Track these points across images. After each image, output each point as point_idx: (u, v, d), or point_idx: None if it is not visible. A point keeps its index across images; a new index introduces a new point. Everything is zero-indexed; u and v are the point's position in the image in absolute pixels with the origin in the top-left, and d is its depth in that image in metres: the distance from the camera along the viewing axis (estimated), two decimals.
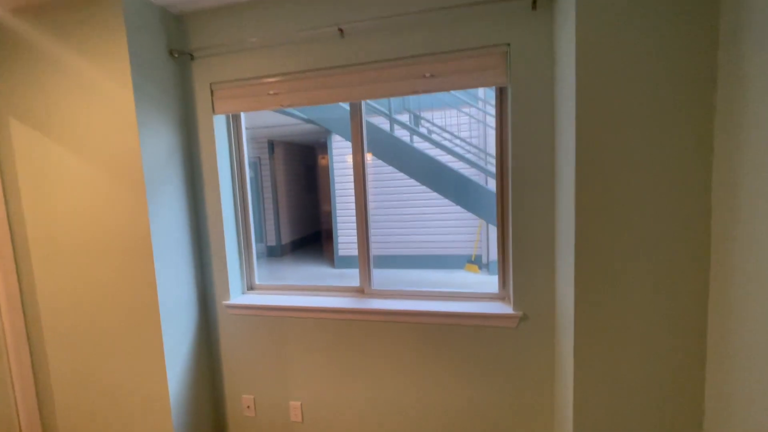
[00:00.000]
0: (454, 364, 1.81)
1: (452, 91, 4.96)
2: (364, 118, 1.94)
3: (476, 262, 6.13)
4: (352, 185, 6.96)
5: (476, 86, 1.66)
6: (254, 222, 2.22)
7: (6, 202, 1.91)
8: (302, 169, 9.18)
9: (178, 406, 1.89)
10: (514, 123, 1.61)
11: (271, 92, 1.88)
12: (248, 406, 2.11)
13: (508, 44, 1.58)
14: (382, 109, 3.98)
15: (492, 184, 5.38)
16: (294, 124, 6.01)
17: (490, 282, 5.53)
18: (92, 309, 1.89)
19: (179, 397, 1.90)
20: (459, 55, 1.64)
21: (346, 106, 3.84)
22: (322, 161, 9.65)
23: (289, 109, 4.43)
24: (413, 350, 1.85)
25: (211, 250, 2.06)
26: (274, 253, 8.00)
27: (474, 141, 5.84)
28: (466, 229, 6.27)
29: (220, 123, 2.02)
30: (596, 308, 1.33)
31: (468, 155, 5.06)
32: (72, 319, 1.93)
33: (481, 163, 5.27)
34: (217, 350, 2.13)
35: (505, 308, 1.74)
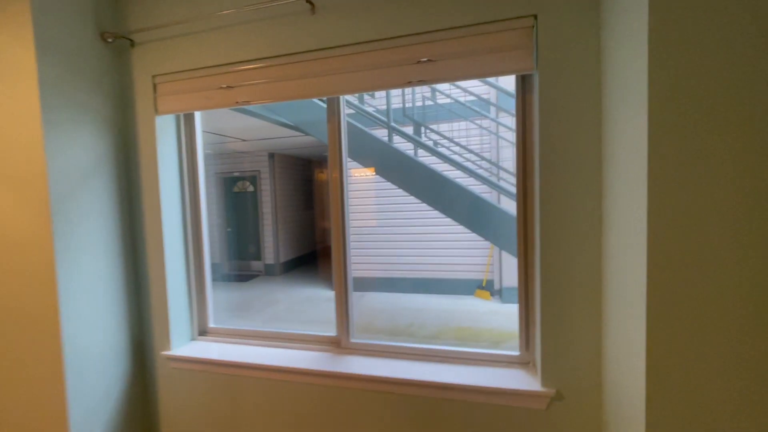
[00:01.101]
0: None
1: (463, 101, 4.54)
2: (344, 120, 1.51)
3: (487, 287, 5.59)
4: (354, 201, 6.54)
5: (489, 74, 1.22)
6: (250, 240, 1.78)
7: None
8: (303, 183, 8.82)
9: None
10: (543, 124, 1.16)
11: (224, 86, 1.46)
12: None
13: (535, 16, 1.14)
14: (381, 117, 3.58)
15: (505, 202, 4.90)
16: (292, 135, 5.65)
17: (501, 311, 4.97)
18: None
19: None
20: (466, 32, 1.20)
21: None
22: (321, 175, 9.30)
23: (269, 113, 4.05)
24: (400, 430, 1.35)
25: (150, 284, 1.62)
26: (271, 272, 7.56)
27: (485, 155, 5.39)
28: (476, 251, 5.75)
29: (165, 125, 1.61)
30: (678, 389, 0.84)
31: (479, 171, 4.61)
32: None
33: (493, 179, 4.79)
34: (155, 413, 1.66)
35: (529, 381, 1.25)
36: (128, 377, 1.59)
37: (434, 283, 5.93)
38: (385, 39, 1.27)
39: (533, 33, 1.16)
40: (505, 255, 5.40)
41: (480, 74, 1.22)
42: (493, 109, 5.09)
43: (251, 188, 7.75)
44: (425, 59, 1.24)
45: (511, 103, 4.13)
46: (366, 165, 3.68)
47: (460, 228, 5.61)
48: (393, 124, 3.48)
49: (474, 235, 5.53)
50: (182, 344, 1.66)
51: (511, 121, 4.88)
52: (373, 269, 6.31)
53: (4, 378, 1.42)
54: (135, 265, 1.63)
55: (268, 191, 7.60)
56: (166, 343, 1.62)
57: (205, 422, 1.60)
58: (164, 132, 1.60)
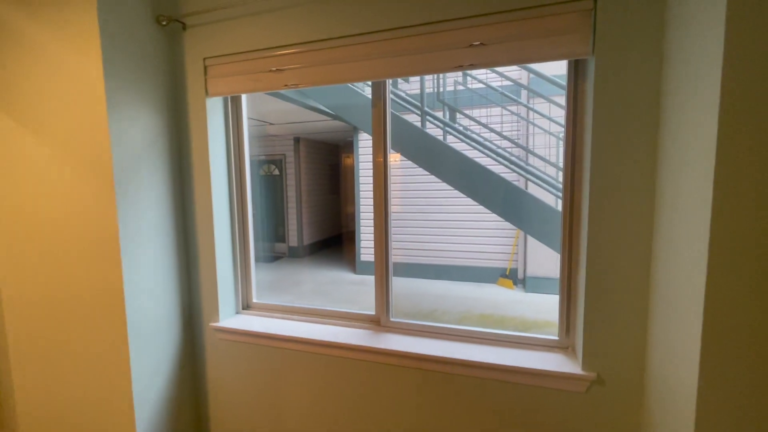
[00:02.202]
0: None
1: (495, 86, 4.44)
2: (389, 106, 1.53)
3: (511, 276, 5.57)
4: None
5: (543, 58, 1.20)
6: (275, 222, 1.85)
7: None
8: (327, 167, 8.89)
9: None
10: (597, 113, 1.15)
11: (274, 68, 1.50)
12: None
13: None
14: (414, 101, 3.56)
15: (533, 189, 4.82)
16: (319, 119, 5.69)
17: (524, 300, 4.96)
18: (55, 318, 1.58)
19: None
20: (521, 15, 1.19)
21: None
22: (347, 160, 9.34)
23: (306, 99, 4.08)
24: (440, 408, 1.41)
25: (200, 260, 1.71)
26: (295, 254, 7.74)
27: (516, 141, 5.29)
28: (500, 240, 5.71)
29: (214, 107, 1.67)
30: (732, 387, 0.85)
31: (510, 157, 4.54)
32: (35, 326, 1.63)
33: (523, 165, 4.72)
34: (202, 381, 1.78)
35: (569, 365, 1.27)
36: (180, 345, 1.69)
37: (456, 270, 5.94)
38: (436, 22, 1.27)
39: (592, 16, 1.13)
40: (530, 244, 5.35)
41: (533, 59, 1.21)
42: (524, 94, 4.96)
43: (277, 172, 7.88)
44: (477, 43, 1.24)
45: (546, 89, 4.02)
46: (395, 150, 3.69)
47: (484, 215, 5.57)
48: (426, 108, 3.45)
49: (498, 223, 5.49)
50: (228, 317, 1.76)
51: (543, 107, 4.75)
52: (396, 255, 6.36)
53: (78, 341, 1.55)
54: (186, 240, 1.71)
55: (293, 175, 7.72)
56: (215, 315, 1.71)
57: (248, 390, 1.70)
58: (214, 113, 1.66)
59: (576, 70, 1.25)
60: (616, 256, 1.17)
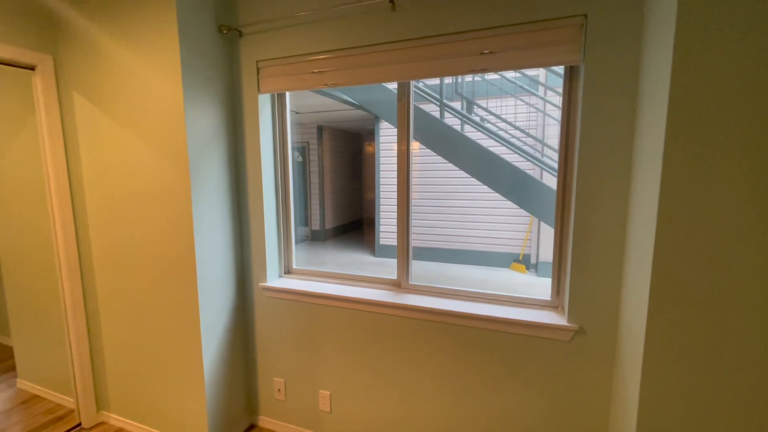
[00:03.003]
0: (494, 375, 1.65)
1: (511, 78, 4.62)
2: (413, 101, 1.80)
3: (524, 261, 5.79)
4: (394, 173, 6.83)
5: (543, 65, 1.45)
6: (299, 205, 2.18)
7: (69, 173, 2.02)
8: (349, 155, 9.20)
9: (213, 378, 1.92)
10: (585, 109, 1.39)
11: (316, 70, 1.79)
12: (279, 390, 2.11)
13: (585, 15, 1.35)
14: (433, 94, 3.79)
15: (548, 179, 5.00)
16: (343, 109, 5.97)
17: (536, 284, 5.19)
18: (138, 281, 1.95)
19: (214, 370, 1.93)
20: (524, 29, 1.44)
21: (395, 89, 3.69)
22: (368, 148, 9.61)
23: (339, 93, 4.36)
24: (450, 354, 1.71)
25: (251, 231, 2.05)
26: (317, 238, 8.15)
27: (531, 132, 5.45)
28: (514, 226, 5.92)
29: (264, 102, 1.98)
30: (672, 332, 1.11)
31: (524, 147, 4.72)
32: (121, 290, 2.01)
33: (538, 156, 4.90)
34: (252, 330, 2.14)
35: (557, 319, 1.55)
36: (235, 300, 2.05)
37: (471, 254, 6.19)
38: (453, 33, 1.53)
39: (583, 30, 1.37)
40: (543, 230, 5.54)
41: (534, 64, 1.46)
42: (541, 89, 5.10)
43: (300, 159, 8.24)
44: (487, 51, 1.49)
45: (560, 83, 4.18)
46: (415, 139, 3.95)
47: (499, 203, 5.78)
48: (444, 100, 3.69)
49: (513, 210, 5.70)
50: (274, 279, 2.10)
51: (558, 100, 4.89)
52: (413, 239, 6.65)
53: (160, 294, 1.92)
54: (240, 215, 2.05)
55: (317, 162, 8.07)
56: (263, 277, 2.06)
57: (288, 338, 2.04)
58: (264, 108, 1.97)
59: (571, 72, 1.49)
60: (597, 227, 1.43)
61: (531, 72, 5.25)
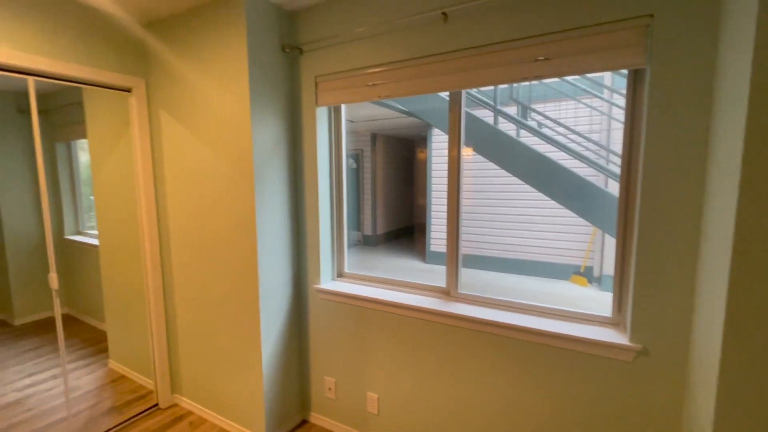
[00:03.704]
0: (546, 392, 1.59)
1: (571, 80, 4.40)
2: (464, 109, 1.81)
3: (585, 274, 5.42)
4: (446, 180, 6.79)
5: (602, 69, 1.39)
6: (351, 211, 2.28)
7: (155, 179, 2.30)
8: (401, 162, 9.30)
9: (270, 372, 2.06)
10: (651, 114, 1.31)
11: (370, 83, 1.87)
12: (329, 388, 2.20)
13: (652, 15, 1.28)
14: (487, 100, 3.73)
15: (613, 187, 4.66)
16: (396, 117, 6.08)
17: (598, 299, 4.83)
18: (208, 278, 2.16)
19: (271, 364, 2.07)
20: (581, 33, 1.39)
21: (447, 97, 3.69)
22: (420, 155, 9.63)
23: (392, 103, 4.46)
24: (500, 366, 1.68)
25: (307, 235, 2.17)
26: (369, 242, 8.31)
27: (594, 137, 5.12)
28: (575, 236, 5.58)
29: (322, 114, 2.10)
30: (752, 360, 1.00)
31: (585, 152, 4.46)
32: (194, 285, 2.24)
33: (602, 162, 4.59)
34: (306, 329, 2.26)
35: (618, 337, 1.45)
36: (291, 300, 2.18)
37: (527, 264, 5.94)
38: (506, 41, 1.52)
39: (648, 31, 1.29)
40: (608, 241, 5.16)
41: (592, 69, 1.40)
42: (606, 92, 4.79)
43: (354, 165, 8.50)
44: (542, 57, 1.46)
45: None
46: (467, 145, 3.90)
47: (559, 211, 5.49)
48: (498, 105, 3.61)
49: (574, 219, 5.38)
50: (327, 281, 2.20)
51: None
52: (465, 246, 6.54)
53: (224, 292, 2.11)
54: (298, 218, 2.19)
55: (369, 168, 8.26)
56: (317, 279, 2.17)
57: (338, 338, 2.13)
58: (321, 119, 2.09)
59: (635, 75, 1.41)
60: (665, 240, 1.32)
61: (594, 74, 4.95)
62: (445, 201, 6.39)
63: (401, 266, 6.60)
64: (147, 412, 2.37)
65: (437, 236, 6.74)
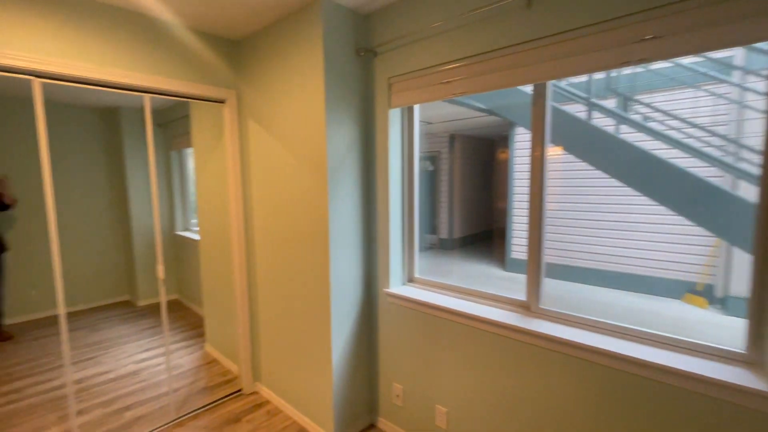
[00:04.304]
0: None
1: (688, 62, 3.74)
2: (549, 104, 1.61)
3: (704, 293, 4.57)
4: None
5: (733, 44, 1.11)
6: (427, 214, 2.21)
7: (243, 181, 2.50)
8: (480, 163, 8.92)
9: (339, 371, 2.08)
10: None
11: (444, 81, 1.78)
12: (397, 395, 2.15)
13: None
14: (579, 92, 3.34)
15: (745, 190, 3.84)
16: (476, 116, 5.83)
17: (721, 324, 4.01)
18: (285, 275, 2.27)
19: (340, 364, 2.09)
20: (705, 1, 1.12)
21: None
22: (501, 155, 9.14)
23: (470, 101, 4.27)
24: (587, 397, 1.45)
25: (378, 238, 2.16)
26: (445, 247, 8.12)
27: (720, 130, 4.28)
28: (688, 247, 4.73)
29: (395, 116, 2.07)
30: None
31: (707, 149, 3.74)
32: (273, 281, 2.38)
33: (729, 160, 3.81)
34: (375, 333, 2.24)
35: (754, 381, 1.14)
36: (361, 301, 2.19)
37: (626, 278, 5.22)
38: (602, 22, 1.31)
39: None
40: (737, 255, 4.27)
41: (721, 45, 1.12)
42: (735, 74, 3.97)
43: (431, 167, 8.39)
44: (649, 36, 1.22)
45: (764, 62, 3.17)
46: (555, 143, 3.55)
47: (669, 218, 4.72)
48: (593, 98, 3.23)
49: (687, 228, 4.56)
50: (396, 285, 2.16)
51: (764, 86, 3.73)
52: (552, 254, 6.00)
53: (298, 289, 2.21)
54: (369, 221, 2.19)
55: (446, 171, 8.08)
56: (386, 283, 2.14)
57: (407, 345, 2.06)
58: (394, 121, 2.06)
59: None
60: None
61: (719, 53, 4.14)
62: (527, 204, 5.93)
63: (479, 273, 6.31)
64: (232, 396, 2.58)
65: (519, 242, 6.29)
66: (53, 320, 3.26)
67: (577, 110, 3.68)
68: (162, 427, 2.25)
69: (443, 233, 8.16)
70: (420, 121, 2.14)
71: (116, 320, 3.75)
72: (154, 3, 1.91)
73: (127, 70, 1.97)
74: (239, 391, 2.64)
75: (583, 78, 4.15)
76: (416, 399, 2.06)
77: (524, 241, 6.13)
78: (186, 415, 2.36)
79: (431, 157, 8.31)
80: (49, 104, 1.91)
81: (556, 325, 1.58)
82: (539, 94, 1.60)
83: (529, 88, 3.65)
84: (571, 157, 4.13)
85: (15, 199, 3.20)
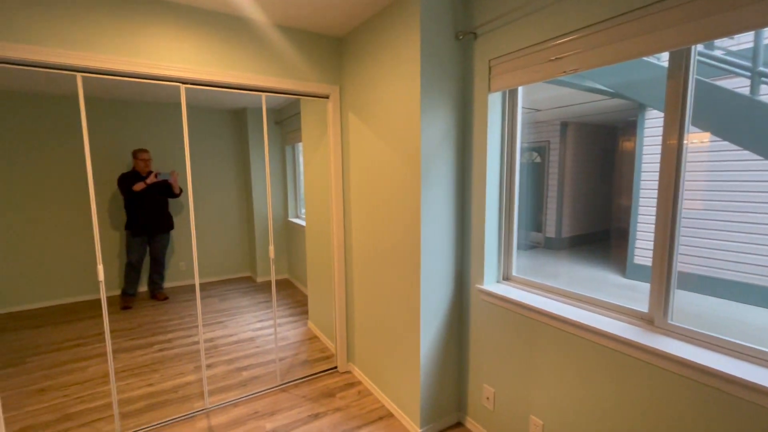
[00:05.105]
0: None
1: None
2: (693, 77, 1.31)
3: None
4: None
5: None
6: (531, 210, 2.04)
7: (343, 173, 2.64)
8: (597, 154, 7.86)
9: (427, 364, 2.07)
10: None
11: (553, 57, 1.59)
12: (488, 398, 2.04)
13: None
14: (738, 60, 2.66)
15: None
16: (593, 100, 5.15)
17: None
18: (378, 263, 2.33)
19: (429, 356, 2.07)
20: None
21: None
22: (624, 144, 7.90)
23: (584, 81, 3.77)
24: None
25: (472, 232, 2.06)
26: (551, 246, 7.43)
27: None
28: None
29: (494, 101, 1.93)
30: None
31: None
32: (367, 268, 2.47)
33: None
34: (466, 330, 2.16)
35: None
36: (452, 297, 2.12)
37: None
38: None
39: None
40: None
41: None
42: None
43: (538, 159, 7.71)
44: None
45: None
46: (702, 128, 2.90)
47: None
48: (760, 67, 2.56)
49: None
50: (491, 283, 2.04)
51: None
52: (687, 261, 5.00)
53: (390, 279, 2.25)
54: (463, 213, 2.10)
55: (556, 162, 7.33)
56: (480, 279, 2.03)
57: (500, 347, 1.93)
58: (493, 107, 1.93)
59: None
60: None
61: None
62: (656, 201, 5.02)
63: (591, 278, 5.60)
64: (327, 372, 2.78)
65: (645, 246, 5.39)
66: (195, 288, 3.95)
67: (737, 85, 2.95)
68: (270, 390, 2.55)
69: (550, 232, 7.45)
70: (525, 108, 1.95)
71: (239, 292, 4.37)
72: (264, 12, 2.12)
73: (245, 71, 2.23)
74: (335, 368, 2.82)
75: (744, 41, 3.30)
76: (509, 405, 1.92)
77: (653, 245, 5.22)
78: (289, 382, 2.63)
79: (539, 148, 7.63)
80: (192, 108, 2.27)
81: (688, 346, 1.29)
82: (676, 66, 1.31)
83: (664, 61, 3.03)
84: (723, 145, 3.34)
85: (181, 189, 3.96)
